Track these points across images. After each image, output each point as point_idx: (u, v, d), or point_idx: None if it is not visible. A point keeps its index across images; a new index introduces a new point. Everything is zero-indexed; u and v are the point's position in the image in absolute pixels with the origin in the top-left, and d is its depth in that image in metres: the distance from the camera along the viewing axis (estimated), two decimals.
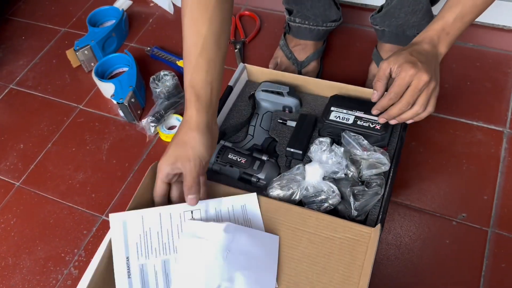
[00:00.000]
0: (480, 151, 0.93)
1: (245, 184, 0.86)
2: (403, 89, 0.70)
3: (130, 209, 0.72)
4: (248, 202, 0.77)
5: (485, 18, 1.12)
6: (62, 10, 1.39)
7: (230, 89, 0.97)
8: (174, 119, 1.04)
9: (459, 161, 0.92)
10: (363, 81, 1.06)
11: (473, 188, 0.88)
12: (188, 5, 0.68)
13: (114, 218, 0.70)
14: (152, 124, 1.01)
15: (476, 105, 1.00)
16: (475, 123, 0.97)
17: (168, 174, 0.70)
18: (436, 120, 0.98)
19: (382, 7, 0.99)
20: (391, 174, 0.80)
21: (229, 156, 0.87)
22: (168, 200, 0.74)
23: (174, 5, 1.32)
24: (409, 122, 0.75)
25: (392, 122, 0.76)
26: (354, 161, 0.82)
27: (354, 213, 0.77)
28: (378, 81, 0.73)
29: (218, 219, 0.75)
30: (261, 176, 0.85)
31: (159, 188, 0.71)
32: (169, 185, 0.73)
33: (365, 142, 0.83)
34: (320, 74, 1.10)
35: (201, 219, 0.74)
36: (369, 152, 0.81)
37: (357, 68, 1.10)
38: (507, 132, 0.95)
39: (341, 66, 1.12)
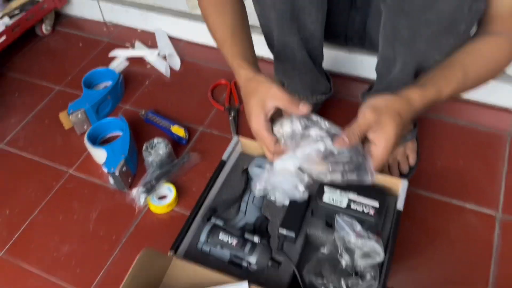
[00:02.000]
0: (473, 237, 0.92)
1: (236, 268, 0.84)
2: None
3: None
4: None
5: (478, 95, 1.14)
6: (58, 67, 1.39)
7: (223, 164, 0.96)
8: (166, 189, 1.03)
9: (452, 246, 0.91)
10: None
11: (466, 277, 0.87)
12: (208, 4, 0.83)
13: None
14: (143, 195, 0.99)
15: (468, 186, 1.00)
16: (467, 205, 0.97)
17: (267, 123, 0.70)
18: (430, 200, 0.98)
19: (371, 86, 1.01)
20: (385, 266, 0.79)
21: (220, 236, 0.86)
22: None
23: (171, 68, 1.33)
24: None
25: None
26: (348, 249, 0.81)
27: None
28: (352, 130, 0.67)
29: None
30: (252, 260, 0.83)
31: (269, 139, 0.70)
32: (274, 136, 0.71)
33: (359, 227, 0.82)
34: None
35: None
36: (363, 240, 0.80)
37: None
38: (500, 216, 0.94)
39: None
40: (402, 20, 0.77)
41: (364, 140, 0.68)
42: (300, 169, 0.69)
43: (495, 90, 1.10)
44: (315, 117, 0.69)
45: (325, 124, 0.68)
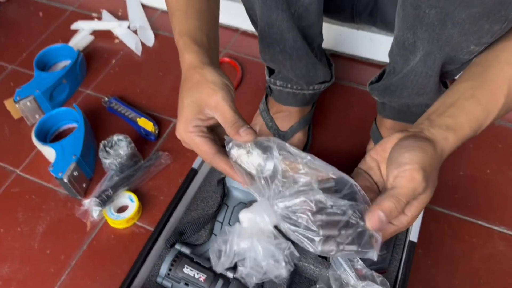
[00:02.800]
0: (502, 269, 0.74)
1: None
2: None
3: None
4: None
5: None
6: (13, 41, 1.19)
7: (194, 173, 0.78)
8: (126, 198, 0.85)
9: (475, 280, 0.73)
10: (359, 160, 0.86)
11: None
12: None
13: None
14: (96, 208, 0.81)
15: (497, 203, 0.81)
16: (496, 228, 0.78)
17: (199, 127, 0.53)
18: (449, 220, 0.80)
19: (383, 72, 0.80)
20: None
21: (185, 269, 0.68)
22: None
23: (142, 44, 1.12)
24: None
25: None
26: None
27: None
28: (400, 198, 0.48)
29: None
30: None
31: (205, 147, 0.53)
32: (213, 141, 0.54)
33: (360, 263, 0.65)
34: (308, 146, 0.91)
35: None
36: (365, 282, 0.63)
37: (354, 142, 0.91)
38: None
39: (334, 137, 0.93)
40: None
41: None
42: (279, 229, 0.49)
43: None
44: (294, 150, 0.49)
45: (310, 160, 0.48)
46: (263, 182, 0.47)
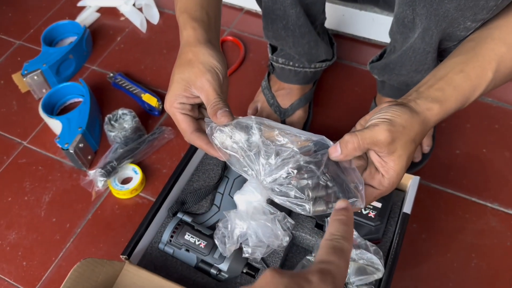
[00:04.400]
0: (494, 244, 0.76)
1: (203, 275, 0.70)
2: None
3: None
4: None
5: None
6: (20, 18, 1.20)
7: None
8: (130, 170, 0.87)
9: (467, 255, 0.75)
10: None
11: None
12: None
13: None
14: (101, 179, 0.84)
15: (492, 181, 0.83)
16: (489, 204, 0.80)
17: (183, 105, 0.56)
18: (444, 196, 0.82)
19: (384, 52, 0.82)
20: (383, 285, 0.63)
21: (186, 236, 0.71)
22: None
23: (148, 22, 1.13)
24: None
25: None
26: None
27: None
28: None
29: None
30: (223, 267, 0.69)
31: (185, 124, 0.56)
32: (194, 119, 0.57)
33: (355, 233, 0.67)
34: (309, 124, 0.93)
35: None
36: (359, 251, 0.65)
37: (354, 120, 0.91)
38: None
39: (334, 115, 0.95)
40: None
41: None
42: (271, 201, 0.51)
43: None
44: (273, 123, 0.51)
45: (295, 131, 0.50)
46: (248, 161, 0.50)
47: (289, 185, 0.47)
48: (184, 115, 0.56)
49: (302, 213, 0.49)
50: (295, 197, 0.47)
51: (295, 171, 0.47)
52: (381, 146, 0.48)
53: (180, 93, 0.55)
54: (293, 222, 0.59)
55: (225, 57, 1.06)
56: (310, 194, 0.47)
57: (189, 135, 0.56)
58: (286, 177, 0.47)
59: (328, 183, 0.47)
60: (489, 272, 0.74)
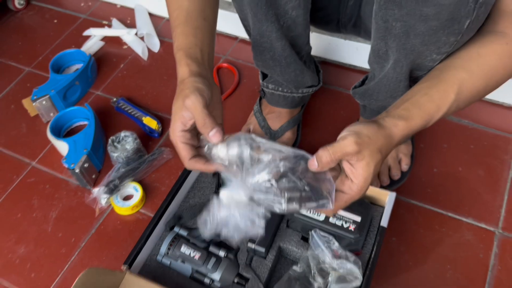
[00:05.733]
0: (468, 256, 0.82)
1: (198, 284, 0.76)
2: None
3: None
4: None
5: None
6: (29, 46, 1.29)
7: None
8: (131, 188, 0.94)
9: (443, 266, 0.81)
10: None
11: None
12: None
13: None
14: (104, 196, 0.91)
15: (467, 197, 0.89)
16: (464, 219, 0.87)
17: (184, 133, 0.61)
18: (422, 212, 0.88)
19: (365, 78, 0.89)
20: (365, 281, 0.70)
21: (182, 249, 0.77)
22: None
23: (149, 50, 1.21)
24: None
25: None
26: (321, 270, 0.72)
27: None
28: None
29: None
30: (216, 276, 0.75)
31: (184, 152, 0.62)
32: (193, 147, 0.63)
33: (336, 245, 0.73)
34: (297, 144, 1.00)
35: None
36: (339, 260, 0.71)
37: None
38: (499, 233, 0.84)
39: (321, 137, 1.02)
40: (395, 12, 0.64)
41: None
42: (252, 199, 0.58)
43: (504, 86, 0.98)
44: (260, 139, 0.59)
45: (279, 148, 0.58)
46: (235, 167, 0.57)
47: (268, 186, 0.54)
48: (184, 144, 0.62)
49: (277, 210, 0.56)
50: (274, 194, 0.55)
51: (275, 174, 0.55)
52: (350, 155, 0.55)
53: (177, 122, 0.61)
54: (269, 215, 0.63)
55: (221, 82, 1.14)
56: (286, 194, 0.54)
57: (188, 161, 0.62)
58: (267, 179, 0.55)
59: (305, 187, 0.55)
60: (463, 282, 0.79)
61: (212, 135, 0.59)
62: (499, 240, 0.84)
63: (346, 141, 0.55)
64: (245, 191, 0.57)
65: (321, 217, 0.77)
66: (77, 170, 0.91)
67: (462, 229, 0.86)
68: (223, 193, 0.60)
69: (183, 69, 0.64)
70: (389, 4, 0.64)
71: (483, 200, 0.89)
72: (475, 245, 0.83)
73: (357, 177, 0.56)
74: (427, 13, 0.60)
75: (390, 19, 0.65)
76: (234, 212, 0.58)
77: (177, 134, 0.61)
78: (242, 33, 1.22)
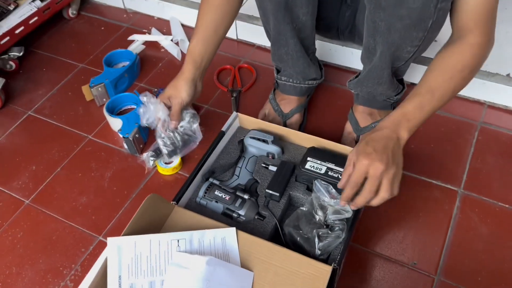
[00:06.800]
0: (436, 207, 1.06)
1: (227, 219, 0.99)
2: (360, 179, 0.77)
3: (125, 234, 0.84)
4: (227, 235, 0.89)
5: None
6: (81, 47, 1.55)
7: (222, 134, 1.11)
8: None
9: (416, 214, 1.05)
10: (339, 136, 1.20)
11: (426, 239, 1.00)
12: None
13: (111, 242, 0.82)
14: (152, 158, 1.14)
15: (437, 166, 1.13)
16: (433, 181, 1.10)
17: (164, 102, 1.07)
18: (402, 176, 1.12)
19: (358, 74, 1.15)
20: (352, 221, 0.93)
21: (215, 192, 1.00)
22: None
23: (182, 53, 1.48)
24: (375, 205, 0.79)
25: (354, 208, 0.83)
26: (322, 207, 0.95)
27: (318, 252, 0.89)
28: (344, 172, 0.81)
29: (200, 249, 0.87)
30: (242, 212, 0.98)
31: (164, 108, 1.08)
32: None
33: (333, 190, 0.96)
34: (304, 125, 1.25)
35: (185, 249, 0.86)
36: (335, 200, 0.94)
37: (335, 124, 1.24)
38: (461, 192, 1.08)
39: (322, 120, 1.26)
40: (380, 14, 0.90)
41: None
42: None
43: (469, 84, 1.23)
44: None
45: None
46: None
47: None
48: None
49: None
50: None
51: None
52: (354, 156, 0.79)
53: (165, 97, 1.06)
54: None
55: (242, 78, 1.40)
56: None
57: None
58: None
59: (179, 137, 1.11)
60: (432, 225, 1.02)
61: (173, 123, 1.07)
62: (461, 196, 1.07)
63: (349, 154, 0.81)
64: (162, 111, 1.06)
65: (322, 171, 1.00)
66: (130, 138, 1.15)
67: (432, 189, 1.09)
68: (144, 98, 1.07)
69: (187, 66, 1.05)
70: (376, 9, 0.90)
71: (449, 168, 1.13)
72: (442, 200, 1.07)
73: (355, 166, 0.79)
74: (402, 14, 0.86)
75: (377, 20, 0.91)
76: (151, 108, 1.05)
77: (163, 99, 1.07)
78: (258, 41, 1.49)
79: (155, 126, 1.07)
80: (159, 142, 1.09)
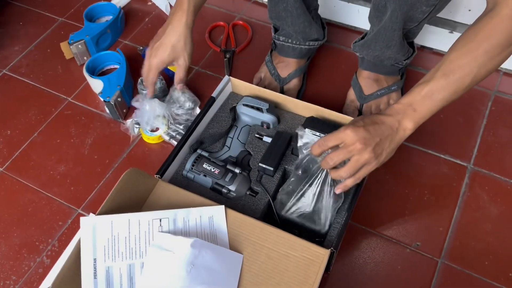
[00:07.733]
0: (443, 184, 0.98)
1: (216, 194, 0.91)
2: (343, 158, 0.73)
3: (101, 213, 0.76)
4: (215, 214, 0.82)
5: None
6: (62, 0, 1.41)
7: (212, 100, 1.01)
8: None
9: (421, 191, 0.97)
10: (341, 104, 1.10)
11: (431, 218, 0.93)
12: None
13: (85, 222, 0.74)
14: (136, 126, 1.05)
15: (446, 138, 1.04)
16: (442, 156, 1.02)
17: (164, 63, 0.97)
18: (407, 149, 1.03)
19: (365, 35, 1.03)
20: (352, 198, 0.85)
21: (204, 165, 0.92)
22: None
23: (171, 6, 1.35)
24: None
25: (338, 191, 0.78)
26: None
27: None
28: (330, 138, 0.73)
29: (185, 230, 0.79)
30: (232, 188, 0.90)
31: (153, 76, 0.98)
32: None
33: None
34: (302, 92, 1.14)
35: (169, 229, 0.78)
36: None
37: (338, 91, 1.14)
38: (471, 168, 1.00)
39: (323, 86, 1.16)
40: None
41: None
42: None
43: None
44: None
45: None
46: None
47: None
48: (157, 71, 0.98)
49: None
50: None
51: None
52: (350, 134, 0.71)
53: (167, 54, 0.94)
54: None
55: (236, 37, 1.27)
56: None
57: (151, 85, 1.00)
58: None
59: None
60: (438, 204, 0.95)
61: (181, 86, 1.01)
62: (470, 173, 0.99)
63: (345, 130, 0.72)
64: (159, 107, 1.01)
65: None
66: (112, 102, 1.05)
67: (440, 164, 1.01)
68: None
69: (176, 11, 0.93)
70: None
71: (460, 141, 1.04)
72: (450, 176, 0.99)
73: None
74: None
75: None
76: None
77: (162, 61, 0.96)
78: None
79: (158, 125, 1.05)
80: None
